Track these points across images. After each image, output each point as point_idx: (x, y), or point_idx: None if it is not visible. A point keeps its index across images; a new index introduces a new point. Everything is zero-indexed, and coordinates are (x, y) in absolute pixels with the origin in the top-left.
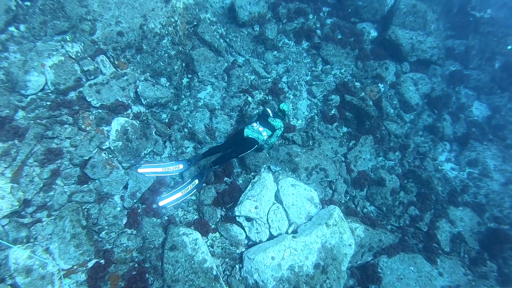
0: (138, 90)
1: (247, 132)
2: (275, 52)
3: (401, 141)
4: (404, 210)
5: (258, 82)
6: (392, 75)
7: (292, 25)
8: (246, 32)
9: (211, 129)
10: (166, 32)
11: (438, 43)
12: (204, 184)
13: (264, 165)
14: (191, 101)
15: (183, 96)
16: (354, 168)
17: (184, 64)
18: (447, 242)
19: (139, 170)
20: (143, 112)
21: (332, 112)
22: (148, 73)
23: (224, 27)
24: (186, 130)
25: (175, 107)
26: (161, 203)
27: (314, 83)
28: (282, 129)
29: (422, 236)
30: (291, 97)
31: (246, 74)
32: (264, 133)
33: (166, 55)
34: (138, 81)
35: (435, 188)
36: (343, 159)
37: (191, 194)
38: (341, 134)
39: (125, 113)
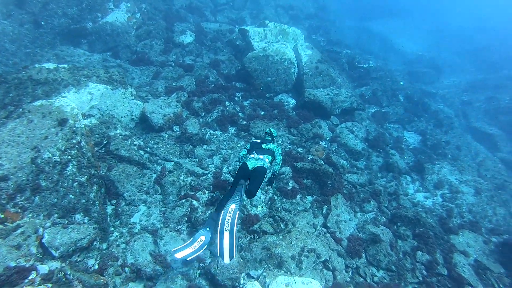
0: (44, 240)
1: (251, 163)
2: (204, 146)
3: (368, 189)
4: (413, 259)
5: (197, 182)
6: (327, 130)
7: (212, 115)
8: (166, 136)
9: (160, 255)
10: (69, 157)
11: (351, 92)
12: None
13: (242, 274)
14: (124, 231)
15: (111, 228)
16: (341, 235)
17: (102, 189)
18: (475, 277)
19: (225, 261)
20: (57, 268)
21: (290, 185)
22: (56, 214)
23: (141, 138)
24: (127, 269)
25: (104, 246)
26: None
27: None
28: (279, 148)
29: (448, 282)
30: None
31: (181, 177)
32: (266, 159)
33: (75, 184)
34: (41, 229)
35: (427, 223)
36: (324, 230)
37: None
38: (309, 205)
39: (26, 281)
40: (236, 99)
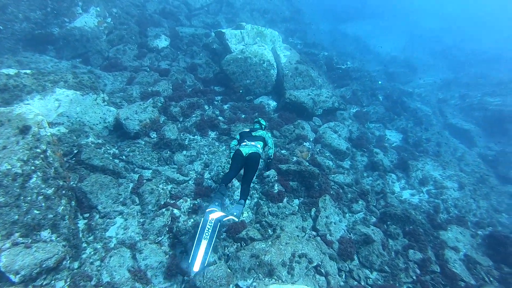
0: (0, 264)
1: (245, 150)
2: (184, 152)
3: (355, 189)
4: (405, 258)
5: (178, 189)
6: (310, 131)
7: (191, 120)
8: (143, 143)
9: (140, 271)
10: (33, 167)
11: (331, 92)
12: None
13: (231, 286)
14: (99, 246)
15: (84, 245)
16: (331, 237)
17: (73, 202)
18: (466, 272)
19: (195, 269)
20: None
21: (276, 188)
22: (17, 233)
23: (115, 146)
24: None
25: (75, 265)
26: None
27: None
28: (269, 133)
29: (442, 279)
30: None
31: (160, 185)
32: (258, 145)
33: (40, 197)
34: None
35: (416, 220)
36: (314, 233)
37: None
38: (297, 208)
39: None
40: (216, 103)
